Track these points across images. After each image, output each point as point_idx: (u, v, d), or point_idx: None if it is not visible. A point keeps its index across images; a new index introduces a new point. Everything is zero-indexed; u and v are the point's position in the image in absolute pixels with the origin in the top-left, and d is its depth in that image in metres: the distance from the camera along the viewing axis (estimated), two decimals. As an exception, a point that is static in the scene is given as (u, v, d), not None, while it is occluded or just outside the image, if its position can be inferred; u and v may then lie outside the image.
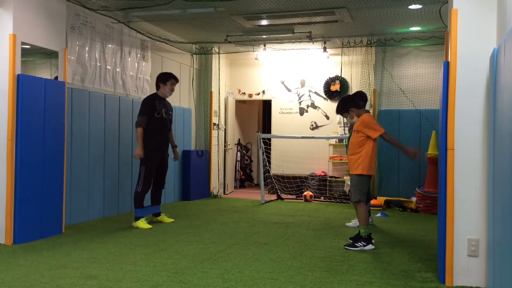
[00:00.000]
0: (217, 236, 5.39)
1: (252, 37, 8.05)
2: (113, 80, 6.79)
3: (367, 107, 6.70)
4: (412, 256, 4.54)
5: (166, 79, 6.08)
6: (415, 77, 8.42)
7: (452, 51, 3.61)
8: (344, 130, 8.97)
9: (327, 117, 9.60)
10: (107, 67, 6.67)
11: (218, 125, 9.49)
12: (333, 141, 9.38)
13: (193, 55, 9.15)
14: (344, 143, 9.01)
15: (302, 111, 9.82)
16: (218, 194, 9.28)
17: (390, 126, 8.31)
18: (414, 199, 7.70)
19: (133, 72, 7.24)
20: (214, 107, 9.31)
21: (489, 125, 3.39)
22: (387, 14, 6.65)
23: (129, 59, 7.15)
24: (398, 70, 8.53)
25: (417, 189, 7.66)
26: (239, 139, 11.25)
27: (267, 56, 9.41)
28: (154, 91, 6.21)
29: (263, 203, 8.31)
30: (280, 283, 3.59)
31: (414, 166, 8.19)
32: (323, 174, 9.30)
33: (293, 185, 9.35)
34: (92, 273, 3.79)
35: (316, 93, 9.70)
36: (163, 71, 7.57)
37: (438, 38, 7.77)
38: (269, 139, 9.74)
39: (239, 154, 11.03)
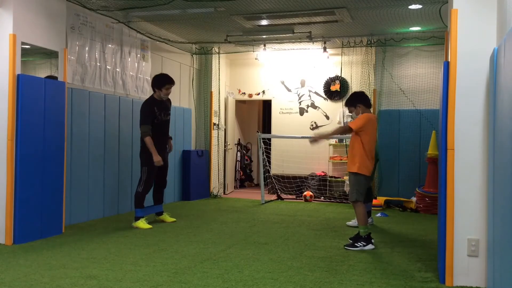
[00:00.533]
0: (217, 236, 5.39)
1: (252, 37, 8.05)
2: (113, 80, 6.79)
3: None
4: (412, 256, 4.54)
5: (160, 85, 5.97)
6: (415, 77, 8.42)
7: (452, 51, 3.61)
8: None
9: (327, 117, 9.60)
10: (107, 67, 6.67)
11: (218, 125, 9.49)
12: (333, 141, 9.38)
13: (193, 55, 9.15)
14: (344, 143, 9.02)
15: (302, 111, 9.81)
16: (218, 194, 9.28)
17: (390, 126, 8.33)
18: (414, 199, 7.70)
19: (133, 72, 7.24)
20: (214, 107, 9.30)
21: (489, 125, 3.39)
22: (387, 14, 6.65)
23: (129, 59, 7.15)
24: (398, 70, 8.53)
25: (417, 189, 7.65)
26: (239, 139, 11.24)
27: (267, 56, 9.41)
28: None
29: (263, 203, 8.31)
30: (280, 283, 3.59)
31: (414, 166, 8.19)
32: (323, 174, 9.30)
33: (293, 185, 9.35)
34: (92, 273, 3.79)
35: (316, 93, 9.70)
36: (163, 71, 7.59)
37: (438, 38, 7.77)
38: (269, 139, 9.74)
39: (239, 154, 11.03)
